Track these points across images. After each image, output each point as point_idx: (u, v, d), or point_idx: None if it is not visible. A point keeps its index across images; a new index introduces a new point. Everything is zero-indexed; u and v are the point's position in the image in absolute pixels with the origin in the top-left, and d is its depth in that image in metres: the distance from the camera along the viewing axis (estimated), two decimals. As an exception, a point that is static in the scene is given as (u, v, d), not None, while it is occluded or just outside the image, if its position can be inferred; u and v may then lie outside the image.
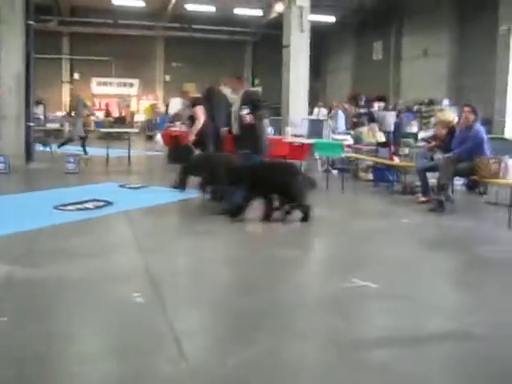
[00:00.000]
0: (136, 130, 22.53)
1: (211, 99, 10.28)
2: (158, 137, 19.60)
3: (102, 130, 18.85)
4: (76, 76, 32.40)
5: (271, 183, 7.31)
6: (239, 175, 7.54)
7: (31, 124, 13.98)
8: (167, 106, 30.76)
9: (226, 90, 10.63)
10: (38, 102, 20.05)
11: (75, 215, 7.69)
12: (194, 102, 10.08)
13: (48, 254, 5.76)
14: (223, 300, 4.63)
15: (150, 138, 25.84)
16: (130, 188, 10.46)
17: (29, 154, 13.82)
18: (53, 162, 14.35)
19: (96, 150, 16.00)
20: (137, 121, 29.49)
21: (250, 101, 8.49)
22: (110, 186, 10.74)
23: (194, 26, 29.60)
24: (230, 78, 9.81)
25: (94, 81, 31.72)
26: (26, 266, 5.27)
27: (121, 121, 27.06)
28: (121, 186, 10.60)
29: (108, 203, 8.48)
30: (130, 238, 6.84)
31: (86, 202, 8.54)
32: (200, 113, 9.79)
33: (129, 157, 14.70)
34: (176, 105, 28.85)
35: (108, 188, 10.47)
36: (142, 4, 26.99)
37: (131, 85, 31.94)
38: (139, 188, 10.48)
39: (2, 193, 9.63)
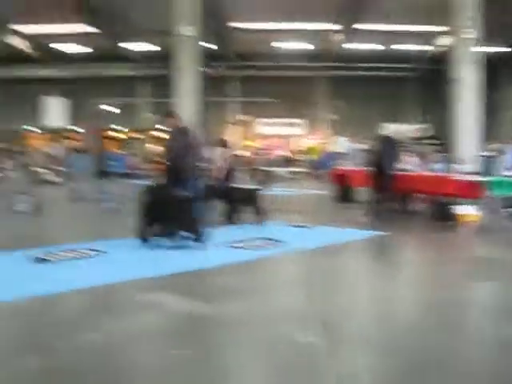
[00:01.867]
0: (303, 170, 22.87)
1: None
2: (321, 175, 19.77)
3: (269, 169, 19.30)
4: (243, 117, 33.71)
5: None
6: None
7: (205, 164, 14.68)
8: (333, 144, 31.09)
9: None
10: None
11: (247, 253, 7.85)
12: None
13: (222, 291, 5.89)
14: (396, 342, 4.45)
15: (316, 176, 26.14)
16: (299, 227, 10.52)
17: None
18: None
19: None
20: (302, 160, 29.96)
21: None
22: (279, 224, 10.88)
23: (357, 65, 29.70)
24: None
25: (261, 121, 32.72)
26: (204, 303, 5.44)
27: (287, 160, 27.62)
28: (290, 224, 10.72)
29: (278, 242, 8.58)
30: (301, 277, 6.83)
31: (257, 239, 8.73)
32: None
33: (296, 195, 14.87)
34: (342, 144, 29.10)
35: (277, 226, 10.62)
36: (306, 46, 27.65)
37: (296, 125, 32.55)
38: (309, 227, 10.51)
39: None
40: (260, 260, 7.51)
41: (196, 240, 8.11)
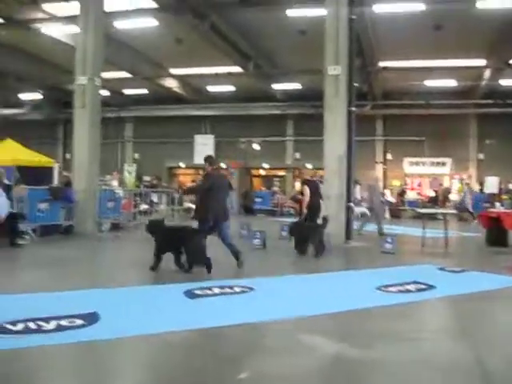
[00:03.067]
0: (452, 211, 22.10)
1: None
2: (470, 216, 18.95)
3: (417, 209, 18.80)
4: (389, 156, 33.26)
5: None
6: None
7: (351, 204, 14.63)
8: (481, 184, 29.78)
9: None
10: (356, 183, 20.94)
11: (397, 297, 7.64)
12: None
13: (372, 336, 5.77)
14: None
15: (465, 217, 25.13)
16: (450, 271, 10.08)
17: (348, 233, 14.39)
18: (369, 241, 14.71)
19: (410, 230, 15.99)
20: (450, 200, 28.97)
21: None
22: (429, 268, 10.52)
23: (508, 101, 28.33)
24: None
25: (406, 161, 32.08)
26: (353, 346, 5.35)
27: (434, 200, 26.82)
28: (440, 268, 10.31)
29: (430, 286, 8.29)
30: (455, 324, 6.55)
31: (408, 283, 8.47)
32: None
33: (446, 238, 14.36)
34: (491, 184, 27.83)
35: (427, 270, 10.27)
36: (454, 83, 26.90)
37: (443, 164, 31.54)
38: (460, 272, 10.05)
39: (324, 270, 10.12)
40: (411, 304, 7.30)
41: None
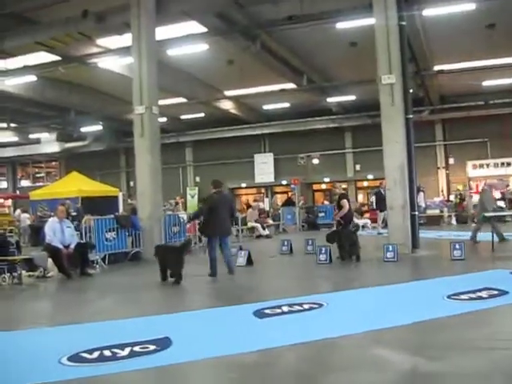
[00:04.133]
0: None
1: None
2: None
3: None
4: (451, 161, 32.63)
5: None
6: None
7: (415, 213, 14.41)
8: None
9: None
10: (418, 190, 20.64)
11: (469, 305, 7.47)
12: None
13: (446, 347, 5.65)
14: None
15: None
16: (523, 275, 9.83)
17: (414, 242, 14.17)
18: (438, 249, 14.44)
19: (480, 235, 15.61)
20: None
21: None
22: (501, 273, 10.22)
23: None
24: None
25: (470, 164, 31.37)
26: (427, 359, 5.25)
27: (510, 202, 26.08)
28: (512, 272, 10.06)
29: (503, 292, 8.06)
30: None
31: (479, 290, 8.25)
32: None
33: (516, 240, 13.98)
34: None
35: (498, 275, 10.00)
36: (512, 81, 26.28)
37: (508, 164, 30.70)
38: (534, 275, 9.79)
39: (393, 282, 9.98)
40: (484, 311, 7.12)
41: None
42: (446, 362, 5.17)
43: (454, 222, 26.75)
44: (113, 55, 21.37)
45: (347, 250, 13.38)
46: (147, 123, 16.57)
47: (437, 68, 24.41)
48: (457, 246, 12.52)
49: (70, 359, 5.63)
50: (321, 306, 7.78)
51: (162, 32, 18.26)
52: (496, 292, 8.11)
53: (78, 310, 8.95)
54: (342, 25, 18.25)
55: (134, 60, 17.17)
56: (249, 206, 28.19)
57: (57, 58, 21.81)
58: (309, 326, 6.77)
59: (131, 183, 35.62)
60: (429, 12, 17.64)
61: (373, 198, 21.47)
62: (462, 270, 10.95)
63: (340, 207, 14.25)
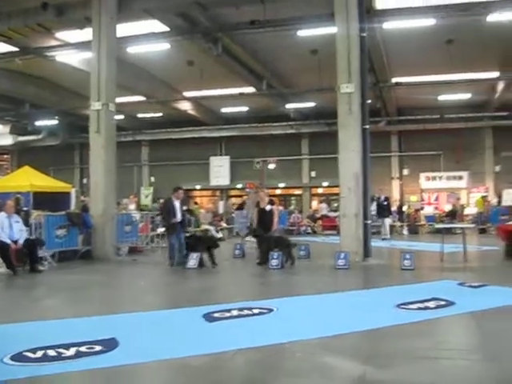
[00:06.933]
0: (471, 225, 21.95)
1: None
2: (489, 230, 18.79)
3: (436, 225, 18.72)
4: (405, 172, 33.17)
5: None
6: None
7: (368, 221, 14.55)
8: (499, 197, 29.55)
9: None
10: (372, 199, 20.89)
11: (417, 314, 7.56)
12: None
13: (394, 355, 5.70)
14: None
15: (484, 231, 25.01)
16: (470, 287, 9.96)
17: (366, 250, 14.32)
18: (389, 258, 14.63)
19: (428, 245, 15.88)
20: (467, 214, 28.77)
21: None
22: (448, 283, 10.43)
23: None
24: None
25: (423, 176, 31.98)
26: (376, 367, 5.29)
27: (451, 215, 26.65)
28: (460, 284, 10.20)
29: (449, 303, 8.20)
30: (476, 342, 6.47)
31: (427, 300, 8.37)
32: None
33: (464, 252, 14.26)
34: (509, 196, 27.61)
35: (446, 286, 10.18)
36: (468, 96, 26.84)
37: (460, 177, 31.38)
38: (480, 287, 9.92)
39: (343, 289, 10.06)
40: (431, 321, 7.22)
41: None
42: (393, 370, 5.21)
43: (405, 232, 27.17)
44: (72, 49, 21.01)
45: (285, 254, 13.54)
46: (103, 120, 16.38)
47: (395, 80, 24.78)
48: (407, 256, 12.70)
49: (12, 358, 5.48)
50: (271, 311, 7.77)
51: (124, 29, 18.07)
52: (443, 302, 8.23)
53: (25, 307, 8.74)
54: (303, 32, 18.40)
55: (93, 55, 16.97)
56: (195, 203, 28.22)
57: (14, 48, 21.33)
58: (258, 331, 6.75)
59: (85, 180, 35.07)
60: (389, 25, 17.93)
61: (374, 206, 22.04)
62: (412, 280, 11.11)
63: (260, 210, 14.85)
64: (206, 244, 14.05)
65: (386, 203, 23.36)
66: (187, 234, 14.72)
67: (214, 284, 11.74)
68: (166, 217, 14.59)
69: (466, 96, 26.83)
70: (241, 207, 28.10)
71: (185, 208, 15.29)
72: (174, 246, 13.99)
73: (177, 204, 14.39)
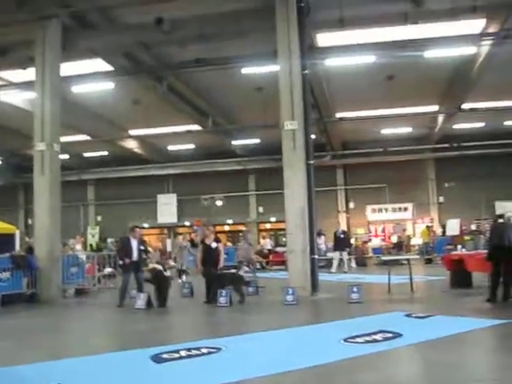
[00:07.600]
0: (416, 256, 22.34)
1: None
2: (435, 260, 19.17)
3: (383, 257, 18.96)
4: (351, 205, 33.69)
5: None
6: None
7: (315, 256, 14.67)
8: (444, 227, 30.23)
9: None
10: (319, 234, 21.10)
11: (364, 348, 7.62)
12: None
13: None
14: None
15: (430, 261, 25.49)
16: (417, 317, 10.12)
17: (314, 285, 14.39)
18: (337, 292, 14.73)
19: (376, 277, 16.06)
20: (414, 244, 29.31)
21: None
22: (396, 315, 10.55)
23: (463, 144, 29.03)
24: None
25: (369, 208, 32.51)
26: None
27: (398, 246, 27.10)
28: (407, 315, 10.35)
29: (397, 335, 8.30)
30: (423, 373, 6.57)
31: (374, 333, 8.45)
32: None
33: (411, 283, 14.49)
34: (452, 226, 28.27)
35: (394, 318, 10.30)
36: (410, 130, 27.61)
37: (405, 209, 32.07)
38: (427, 317, 10.08)
39: (291, 325, 10.06)
40: (378, 354, 7.26)
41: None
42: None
43: (353, 264, 27.41)
44: (15, 89, 20.80)
45: (237, 291, 13.61)
46: (48, 160, 16.12)
47: (338, 115, 25.33)
48: (354, 289, 12.82)
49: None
50: (219, 350, 7.71)
51: (68, 68, 17.98)
52: (390, 335, 8.32)
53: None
54: (247, 70, 18.68)
55: (36, 95, 16.75)
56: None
57: (-45, 89, 20.99)
58: (207, 371, 6.69)
59: (30, 221, 34.35)
60: (331, 62, 18.38)
61: (321, 240, 22.26)
62: (359, 313, 11.16)
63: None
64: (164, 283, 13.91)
65: (342, 236, 23.47)
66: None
67: (163, 324, 11.56)
68: (121, 255, 14.41)
69: (407, 130, 27.60)
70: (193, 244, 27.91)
71: (142, 248, 14.88)
72: (127, 286, 13.91)
73: (134, 243, 14.28)
